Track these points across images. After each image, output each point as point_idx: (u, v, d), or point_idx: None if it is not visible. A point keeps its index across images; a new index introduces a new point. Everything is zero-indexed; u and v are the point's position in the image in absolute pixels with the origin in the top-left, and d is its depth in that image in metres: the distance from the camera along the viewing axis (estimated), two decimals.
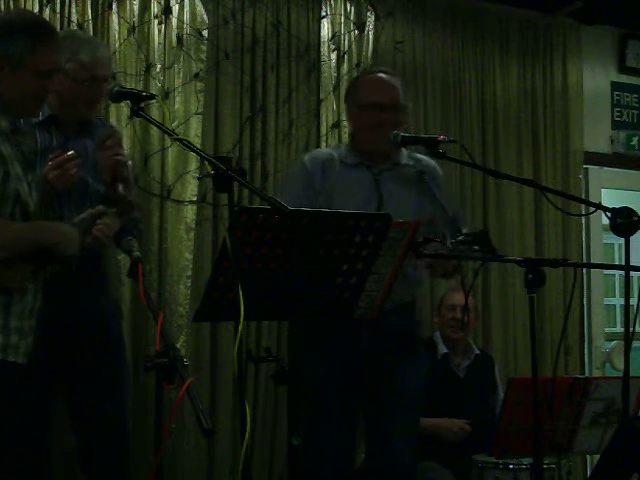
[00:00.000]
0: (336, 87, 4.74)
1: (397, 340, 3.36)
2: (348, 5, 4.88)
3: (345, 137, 4.58)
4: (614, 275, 6.96)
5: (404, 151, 3.44)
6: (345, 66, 4.82)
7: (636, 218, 2.93)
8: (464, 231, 2.99)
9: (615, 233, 2.96)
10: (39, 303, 2.64)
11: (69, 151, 2.98)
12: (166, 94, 4.33)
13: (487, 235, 3.00)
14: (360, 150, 3.39)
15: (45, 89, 2.64)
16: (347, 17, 4.87)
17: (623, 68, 5.90)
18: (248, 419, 2.18)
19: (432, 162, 3.47)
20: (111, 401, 3.21)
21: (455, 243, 2.94)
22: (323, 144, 4.67)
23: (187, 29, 4.41)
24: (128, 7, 4.28)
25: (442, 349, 4.43)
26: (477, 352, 4.51)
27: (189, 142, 2.61)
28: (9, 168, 2.53)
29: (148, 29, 4.33)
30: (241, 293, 2.21)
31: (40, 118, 3.17)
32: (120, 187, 3.07)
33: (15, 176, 2.55)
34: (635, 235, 2.95)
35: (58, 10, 4.09)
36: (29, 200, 2.59)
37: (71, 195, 3.12)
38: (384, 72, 3.49)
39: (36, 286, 2.62)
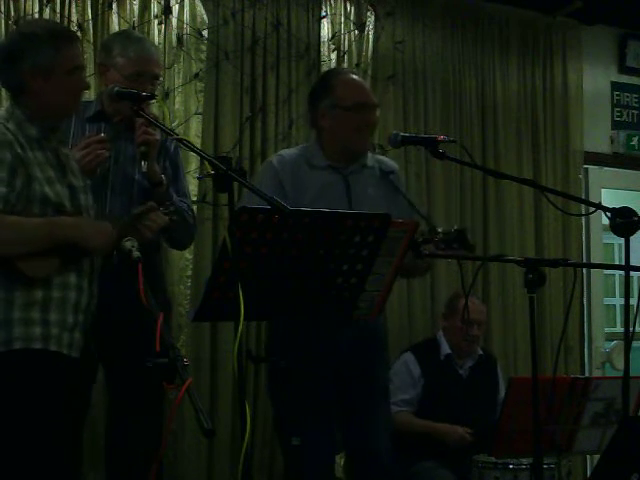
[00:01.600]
0: None
1: (373, 338, 3.39)
2: (348, 5, 4.88)
3: None
4: (614, 275, 6.96)
5: (369, 153, 3.46)
6: (345, 66, 4.81)
7: (636, 218, 2.93)
8: (440, 229, 2.98)
9: (615, 233, 2.96)
10: (87, 299, 2.68)
11: (101, 134, 3.09)
12: (166, 94, 4.33)
13: (465, 234, 2.99)
14: (331, 151, 3.35)
15: (76, 86, 2.72)
16: (347, 17, 4.87)
17: (623, 68, 5.90)
18: (248, 419, 2.18)
19: (394, 164, 3.53)
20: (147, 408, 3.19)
21: (435, 242, 2.94)
22: None
23: (187, 29, 4.41)
24: (128, 7, 4.28)
25: (445, 349, 4.43)
26: (480, 353, 4.51)
27: (189, 142, 2.61)
28: (33, 172, 2.59)
29: (148, 29, 4.33)
30: (241, 293, 2.21)
31: (91, 113, 3.26)
32: (143, 164, 3.09)
33: (44, 180, 2.60)
34: (635, 235, 2.95)
35: (58, 10, 4.09)
36: (64, 201, 2.64)
37: (117, 191, 3.16)
38: (353, 72, 3.51)
39: (80, 281, 2.66)
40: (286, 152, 3.48)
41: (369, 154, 3.45)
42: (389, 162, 3.53)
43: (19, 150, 2.59)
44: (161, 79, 3.62)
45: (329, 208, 2.82)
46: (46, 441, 2.56)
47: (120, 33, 3.81)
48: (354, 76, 3.48)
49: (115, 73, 3.22)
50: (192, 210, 3.44)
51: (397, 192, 3.41)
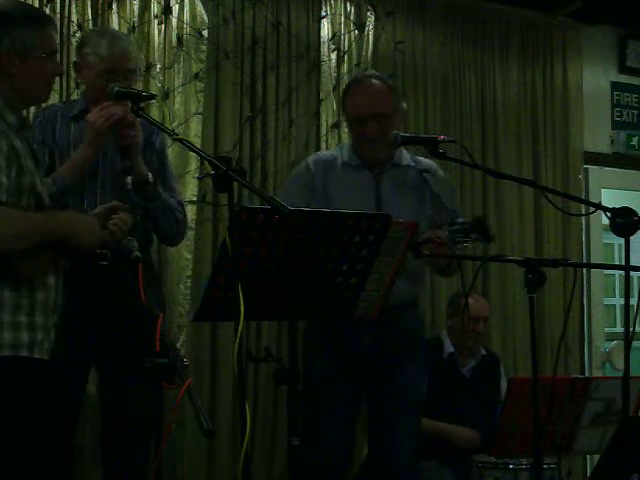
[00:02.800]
0: (336, 87, 4.73)
1: (398, 337, 3.37)
2: (348, 5, 4.88)
3: (345, 137, 4.59)
4: (614, 275, 6.95)
5: (406, 153, 3.46)
6: (345, 66, 4.82)
7: (636, 218, 2.93)
8: (459, 220, 2.97)
9: (615, 233, 2.96)
10: (60, 298, 2.66)
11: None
12: (166, 94, 4.33)
13: (484, 222, 2.98)
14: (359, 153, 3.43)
15: (52, 71, 2.68)
16: (347, 17, 4.87)
17: (623, 68, 5.90)
18: (248, 419, 2.18)
19: (430, 163, 3.49)
20: (139, 404, 3.18)
21: (451, 232, 2.93)
22: (323, 144, 4.68)
23: (187, 29, 4.41)
24: (128, 7, 4.28)
25: (448, 348, 4.42)
26: (484, 353, 4.50)
27: (189, 142, 2.61)
28: (23, 162, 2.55)
29: (148, 29, 4.33)
30: (241, 293, 2.21)
31: (75, 112, 3.27)
32: (128, 181, 3.08)
33: (28, 170, 2.56)
34: (635, 235, 2.95)
35: (58, 10, 4.09)
36: (43, 194, 2.61)
37: (107, 186, 3.19)
38: (372, 77, 3.48)
39: (57, 282, 2.63)
40: (323, 152, 3.65)
41: (407, 154, 3.47)
42: (425, 161, 3.50)
43: (12, 139, 2.54)
44: (139, 73, 3.61)
45: (357, 206, 2.86)
46: (31, 448, 2.54)
47: (93, 30, 3.84)
48: (364, 84, 3.44)
49: (88, 71, 3.22)
50: (182, 205, 3.43)
51: (429, 190, 3.38)
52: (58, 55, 2.79)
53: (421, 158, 3.52)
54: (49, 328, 2.61)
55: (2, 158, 2.49)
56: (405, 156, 3.46)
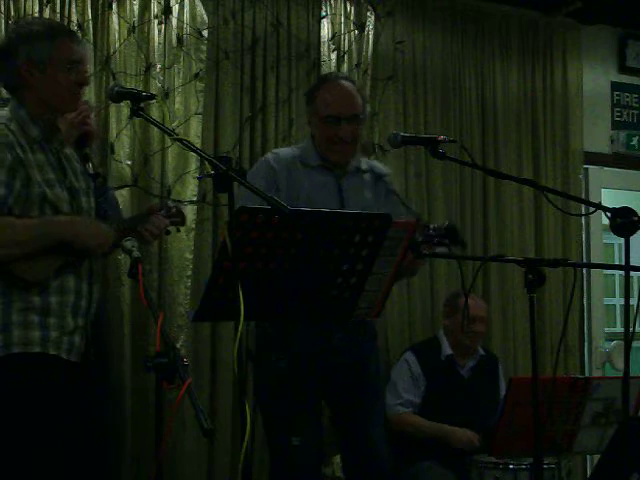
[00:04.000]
0: None
1: (364, 341, 3.39)
2: (348, 5, 4.88)
3: None
4: (614, 275, 6.96)
5: (362, 157, 3.49)
6: (345, 66, 4.82)
7: (636, 218, 2.92)
8: (432, 226, 3.00)
9: (615, 233, 2.96)
10: (86, 303, 2.68)
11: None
12: (166, 94, 4.33)
13: (456, 229, 3.01)
14: (321, 153, 3.39)
15: (77, 81, 2.70)
16: (347, 17, 4.87)
17: (623, 68, 5.90)
18: (248, 419, 2.18)
19: (385, 168, 3.56)
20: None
21: (427, 236, 2.95)
22: None
23: (187, 29, 4.42)
24: (128, 7, 4.28)
25: (446, 350, 4.41)
26: (482, 353, 4.49)
27: (189, 142, 2.61)
28: (32, 174, 2.58)
29: (148, 29, 4.34)
30: (241, 293, 2.21)
31: None
32: (89, 167, 3.06)
33: (44, 182, 2.60)
34: (635, 235, 2.94)
35: (58, 10, 4.10)
36: (62, 204, 2.63)
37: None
38: (343, 79, 3.47)
39: (79, 285, 2.66)
40: (281, 150, 3.51)
41: (362, 158, 3.48)
42: (380, 166, 3.57)
43: (19, 152, 2.58)
44: None
45: (321, 207, 2.84)
46: (44, 443, 2.55)
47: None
48: (339, 84, 3.41)
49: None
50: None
51: (389, 195, 3.44)
52: None
53: (374, 162, 3.58)
54: (69, 330, 2.62)
55: (3, 170, 2.53)
56: (361, 160, 3.47)
